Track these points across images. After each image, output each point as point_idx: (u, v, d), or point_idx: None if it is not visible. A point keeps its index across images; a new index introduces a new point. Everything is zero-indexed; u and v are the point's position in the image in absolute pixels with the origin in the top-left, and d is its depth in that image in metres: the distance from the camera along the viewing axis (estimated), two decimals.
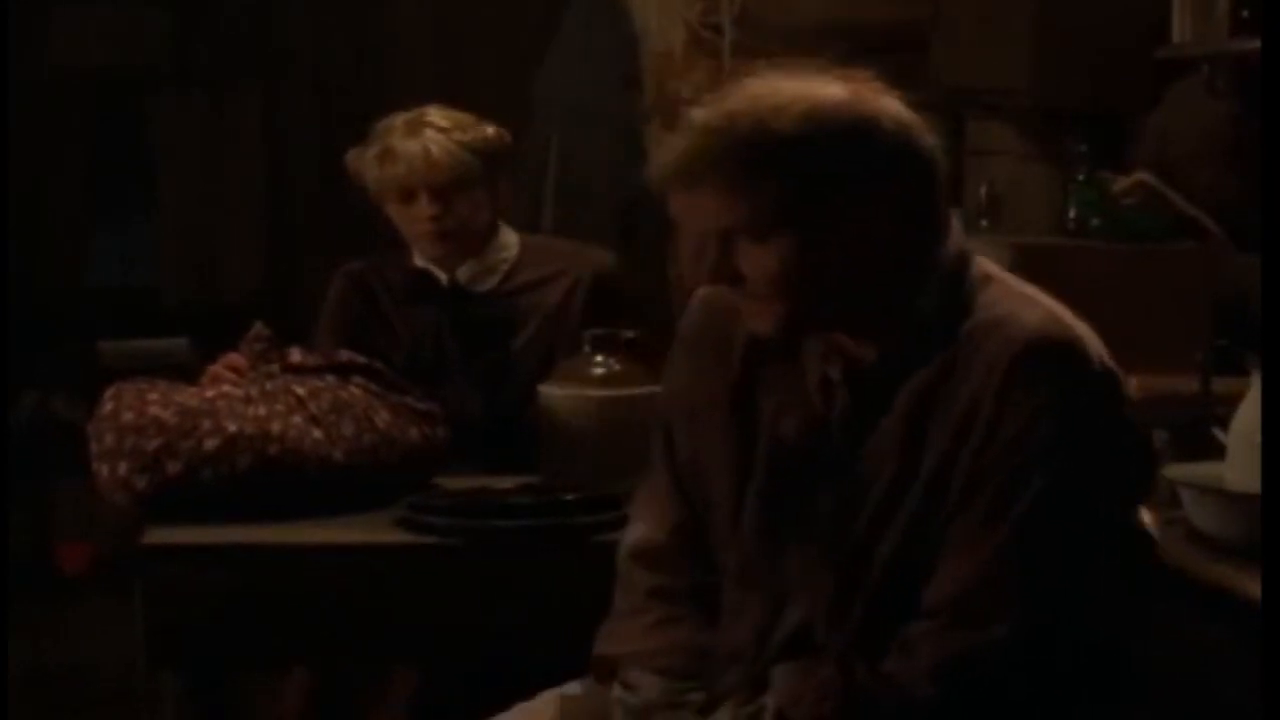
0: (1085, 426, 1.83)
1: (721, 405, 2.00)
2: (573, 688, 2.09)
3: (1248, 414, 2.25)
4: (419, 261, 3.08)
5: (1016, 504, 1.80)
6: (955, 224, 1.94)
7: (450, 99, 3.10)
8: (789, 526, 1.94)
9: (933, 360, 1.87)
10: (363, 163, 3.02)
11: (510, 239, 3.10)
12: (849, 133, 1.83)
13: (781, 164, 1.81)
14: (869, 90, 1.86)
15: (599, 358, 2.69)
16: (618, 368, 2.67)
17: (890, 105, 1.86)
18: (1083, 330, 1.86)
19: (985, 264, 1.94)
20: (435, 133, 2.98)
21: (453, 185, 2.97)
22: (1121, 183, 3.69)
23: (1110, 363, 1.86)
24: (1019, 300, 1.89)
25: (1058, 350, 1.83)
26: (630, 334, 2.72)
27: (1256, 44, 3.35)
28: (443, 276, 3.06)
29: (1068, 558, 1.81)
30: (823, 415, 1.92)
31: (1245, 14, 3.73)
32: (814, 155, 1.82)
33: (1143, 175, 3.70)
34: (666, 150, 1.88)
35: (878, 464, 1.88)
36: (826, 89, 1.85)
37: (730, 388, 1.99)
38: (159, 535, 2.43)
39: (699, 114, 1.86)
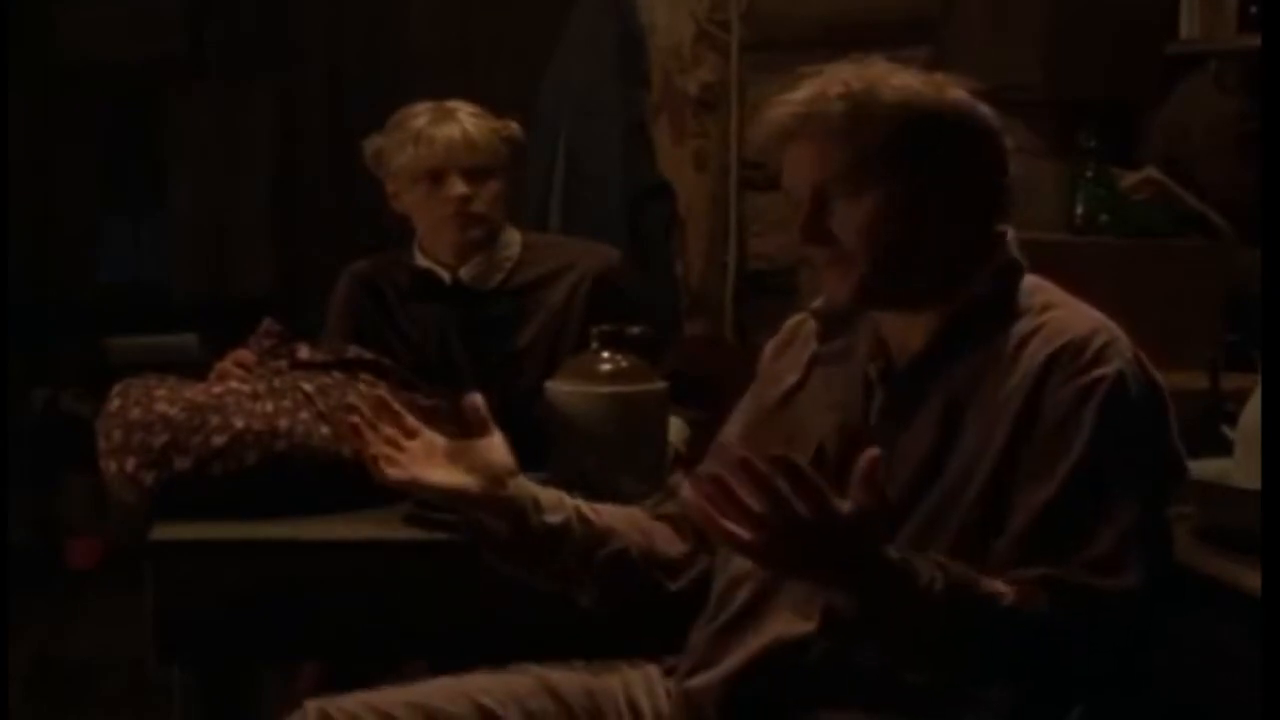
0: (1117, 425, 1.84)
1: (776, 404, 2.06)
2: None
3: (1256, 410, 2.25)
4: (422, 262, 3.08)
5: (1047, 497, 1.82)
6: (1011, 234, 1.99)
7: (461, 97, 3.11)
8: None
9: (971, 359, 1.91)
10: (387, 147, 3.03)
11: (513, 237, 3.11)
12: (948, 109, 1.92)
13: (885, 119, 1.89)
14: (955, 83, 1.95)
15: (606, 354, 2.69)
16: (625, 364, 2.67)
17: (978, 102, 1.94)
18: (1127, 343, 1.89)
19: (1037, 279, 1.99)
20: (468, 116, 3.01)
21: (485, 168, 3.00)
22: (1130, 179, 3.69)
23: (1156, 378, 1.89)
24: (1066, 308, 1.94)
25: (1096, 351, 1.86)
26: (637, 330, 2.73)
27: None
28: (446, 276, 3.06)
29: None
30: (862, 416, 1.97)
31: (1254, 10, 3.73)
32: (916, 119, 1.90)
33: (1151, 171, 3.70)
34: (771, 107, 1.94)
35: (905, 462, 1.90)
36: (927, 75, 1.94)
37: (788, 390, 2.06)
38: (167, 531, 2.44)
39: (802, 85, 1.93)
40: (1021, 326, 1.91)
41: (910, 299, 1.95)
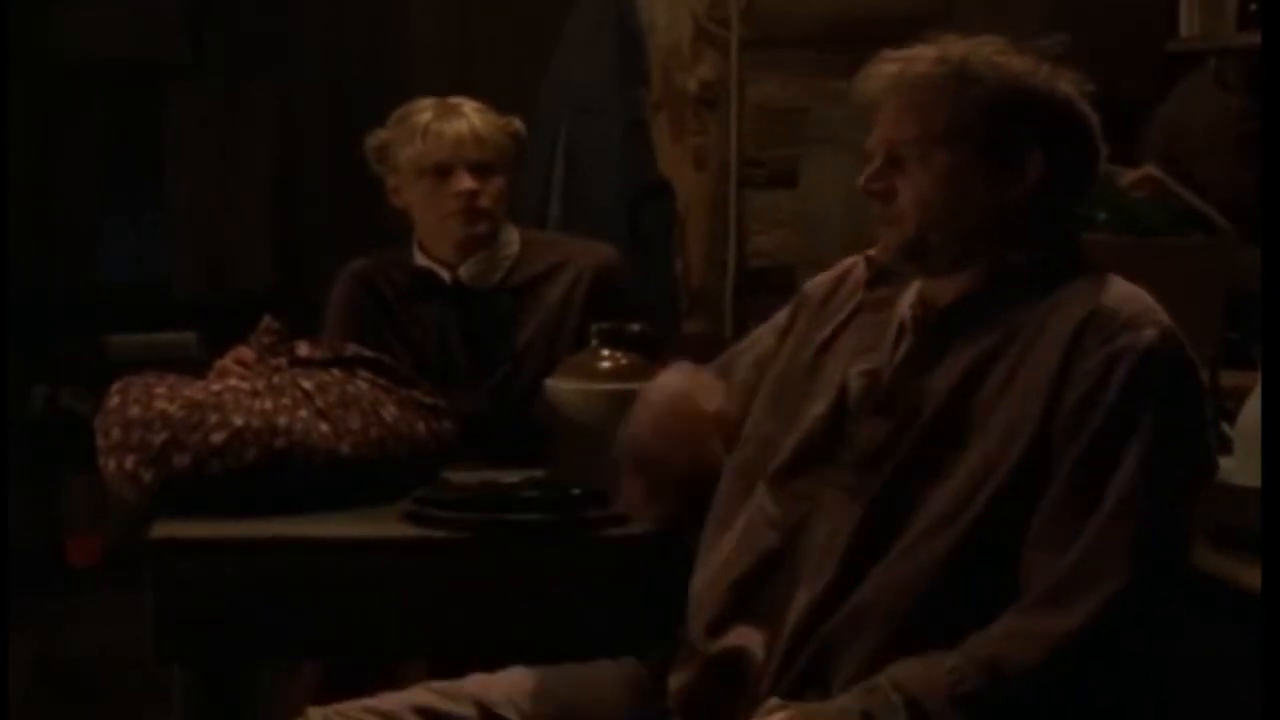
0: (1144, 391, 1.85)
1: (814, 354, 2.08)
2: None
3: (1255, 409, 2.25)
4: (421, 260, 3.09)
5: (1102, 486, 1.82)
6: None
7: (462, 95, 3.11)
8: (827, 454, 1.99)
9: (1005, 318, 1.93)
10: (392, 142, 3.03)
11: (511, 236, 3.11)
12: (1047, 98, 1.95)
13: (979, 94, 1.93)
14: (1068, 77, 1.98)
15: (606, 352, 2.69)
16: (624, 362, 2.68)
17: (1081, 99, 1.98)
18: (1163, 316, 1.91)
19: (1093, 260, 2.01)
20: (474, 112, 3.03)
21: (491, 164, 3.01)
22: (1129, 176, 3.68)
23: (1189, 353, 1.90)
24: (1107, 280, 1.95)
25: (1127, 318, 1.88)
26: (637, 328, 2.73)
27: None
28: (445, 275, 3.06)
29: (1154, 533, 1.83)
30: (889, 360, 1.99)
31: (1253, 7, 3.73)
32: (1009, 101, 1.94)
33: (1150, 169, 3.69)
34: (879, 61, 2.00)
35: (926, 404, 1.92)
36: (1037, 61, 1.98)
37: (825, 340, 2.08)
38: (166, 529, 2.43)
39: (920, 46, 2.00)
40: (1058, 293, 1.93)
41: (954, 266, 1.98)
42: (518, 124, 3.09)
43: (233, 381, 2.59)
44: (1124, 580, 1.80)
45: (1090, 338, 1.87)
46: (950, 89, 1.95)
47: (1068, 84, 1.98)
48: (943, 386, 1.92)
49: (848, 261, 2.16)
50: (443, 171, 2.99)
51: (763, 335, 2.22)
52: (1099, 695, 1.81)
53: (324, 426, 2.55)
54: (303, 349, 2.68)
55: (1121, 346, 1.86)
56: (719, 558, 2.04)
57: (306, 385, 2.58)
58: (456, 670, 2.18)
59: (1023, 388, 1.88)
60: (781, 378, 2.11)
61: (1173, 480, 1.86)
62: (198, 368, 2.72)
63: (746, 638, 1.96)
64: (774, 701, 1.87)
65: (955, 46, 1.98)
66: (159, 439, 2.48)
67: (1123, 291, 1.93)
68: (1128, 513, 1.81)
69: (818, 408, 2.02)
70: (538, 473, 2.67)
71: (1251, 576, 1.98)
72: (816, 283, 2.18)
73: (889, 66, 1.98)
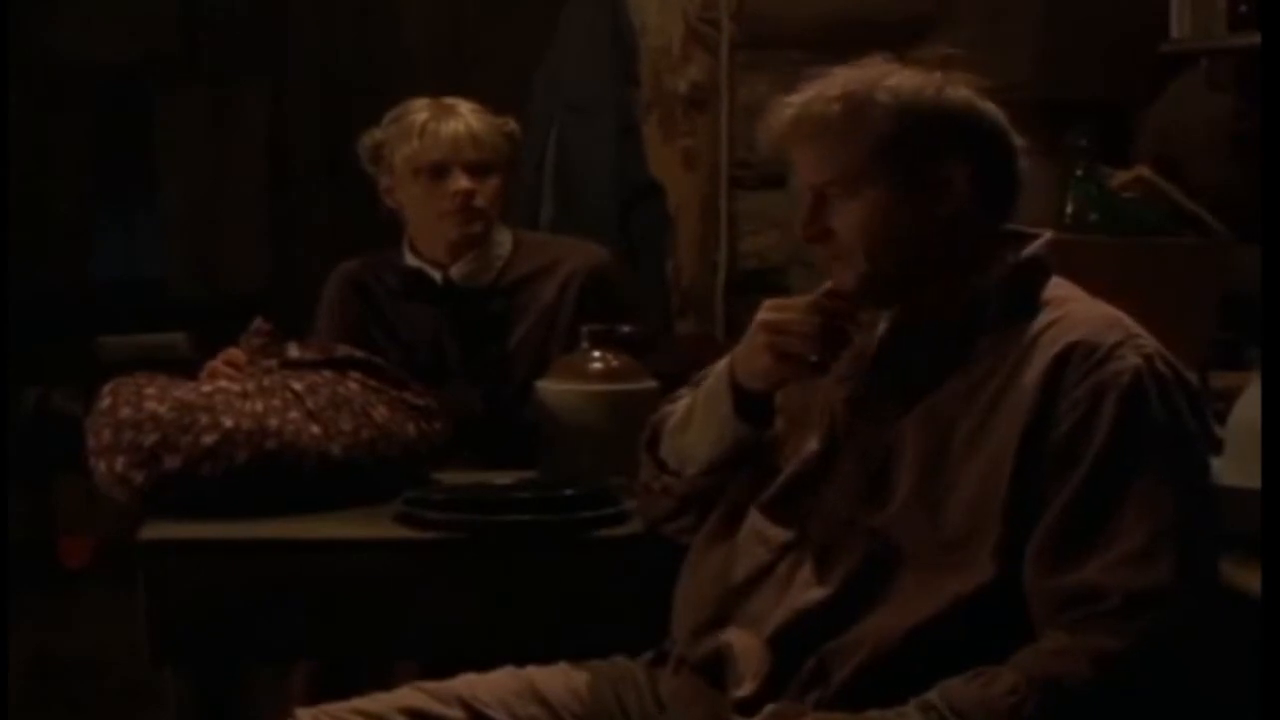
0: (1137, 420, 1.85)
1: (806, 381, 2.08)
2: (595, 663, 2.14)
3: (1246, 409, 2.25)
4: (412, 261, 3.08)
5: (1116, 508, 1.82)
6: (1045, 236, 2.02)
7: (456, 95, 3.11)
8: (818, 481, 1.99)
9: (982, 349, 1.93)
10: (387, 141, 3.03)
11: (503, 235, 3.11)
12: (945, 109, 1.95)
13: (879, 119, 1.93)
14: (962, 81, 1.98)
15: (596, 353, 2.69)
16: (615, 363, 2.68)
17: (981, 100, 1.98)
18: (1147, 340, 1.90)
19: (1065, 283, 2.00)
20: (470, 112, 3.03)
21: (488, 164, 3.01)
22: (1120, 177, 3.69)
23: (1181, 373, 1.90)
24: (1082, 304, 1.95)
25: (1110, 347, 1.87)
26: (627, 329, 2.73)
27: (1256, 38, 3.35)
28: (436, 275, 3.06)
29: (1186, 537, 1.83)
30: (866, 391, 2.00)
31: (1243, 9, 3.73)
32: (910, 119, 1.93)
33: (1142, 170, 3.69)
34: (770, 110, 1.99)
35: (911, 437, 1.93)
36: (926, 75, 1.97)
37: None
38: (157, 530, 2.44)
39: (803, 87, 1.99)
40: (1036, 321, 1.93)
41: (915, 295, 1.98)
42: (513, 125, 3.09)
43: (223, 383, 2.59)
44: (1169, 597, 1.80)
45: (1074, 369, 1.87)
46: (848, 126, 1.94)
47: (962, 88, 1.97)
48: (924, 417, 1.93)
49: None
50: (439, 171, 3.00)
51: None
52: (1147, 711, 1.81)
53: (315, 428, 2.55)
54: (293, 350, 2.68)
55: (1108, 375, 1.86)
56: (708, 571, 2.05)
57: (297, 387, 2.58)
58: (449, 671, 2.18)
59: (1005, 420, 1.88)
60: (783, 404, 2.11)
61: (1188, 494, 1.87)
62: (189, 369, 2.72)
63: (728, 637, 1.97)
64: (773, 707, 1.88)
65: (846, 80, 1.97)
66: (149, 441, 2.48)
67: (1100, 319, 1.92)
68: (1154, 530, 1.82)
69: (812, 442, 2.03)
70: (530, 474, 2.67)
71: (1245, 578, 1.98)
72: None
73: (787, 111, 1.98)
